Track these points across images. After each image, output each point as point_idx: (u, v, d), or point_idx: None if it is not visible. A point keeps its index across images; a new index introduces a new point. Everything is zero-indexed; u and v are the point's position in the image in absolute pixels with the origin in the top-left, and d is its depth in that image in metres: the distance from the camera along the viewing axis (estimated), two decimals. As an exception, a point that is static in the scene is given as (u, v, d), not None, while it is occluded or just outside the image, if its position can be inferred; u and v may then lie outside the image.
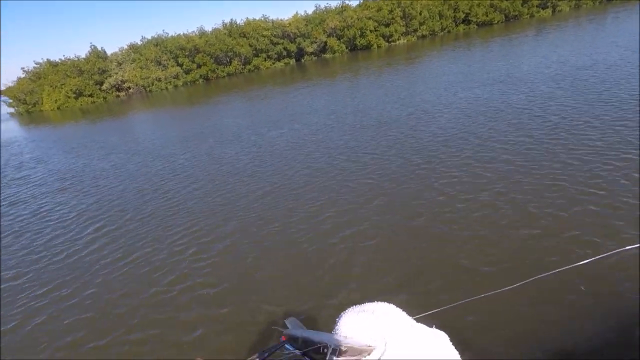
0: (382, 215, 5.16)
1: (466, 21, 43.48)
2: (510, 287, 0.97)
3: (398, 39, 41.83)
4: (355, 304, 0.73)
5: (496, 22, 42.80)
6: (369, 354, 0.60)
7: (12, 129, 29.30)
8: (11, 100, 43.21)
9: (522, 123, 7.85)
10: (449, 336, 0.75)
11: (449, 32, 42.84)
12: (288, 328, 0.77)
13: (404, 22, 41.48)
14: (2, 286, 5.14)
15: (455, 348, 0.72)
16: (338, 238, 4.80)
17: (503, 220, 4.52)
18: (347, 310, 0.71)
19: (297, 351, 0.71)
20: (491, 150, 6.73)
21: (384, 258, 4.25)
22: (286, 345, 0.72)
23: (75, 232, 6.53)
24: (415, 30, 42.26)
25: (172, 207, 6.84)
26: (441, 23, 42.35)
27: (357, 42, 41.49)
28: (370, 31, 41.09)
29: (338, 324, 0.70)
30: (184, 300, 4.14)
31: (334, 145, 8.79)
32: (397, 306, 0.76)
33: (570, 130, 6.92)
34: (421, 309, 0.98)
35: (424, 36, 42.37)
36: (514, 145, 6.76)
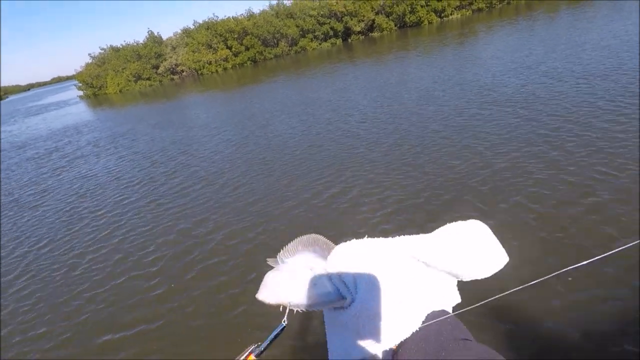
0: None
1: (529, -9, 39.77)
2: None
3: (451, 14, 39.43)
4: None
5: (564, -9, 38.73)
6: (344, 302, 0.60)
7: (84, 110, 32.05)
8: (80, 84, 47.17)
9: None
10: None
11: (508, 4, 39.48)
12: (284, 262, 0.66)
13: (458, -5, 38.89)
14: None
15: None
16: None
17: None
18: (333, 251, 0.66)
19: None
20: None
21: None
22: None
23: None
24: (471, 4, 39.50)
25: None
26: (500, -6, 39.12)
27: (407, 19, 39.73)
28: (421, 6, 39.08)
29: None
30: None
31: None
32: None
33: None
34: None
35: (479, 9, 39.52)
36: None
